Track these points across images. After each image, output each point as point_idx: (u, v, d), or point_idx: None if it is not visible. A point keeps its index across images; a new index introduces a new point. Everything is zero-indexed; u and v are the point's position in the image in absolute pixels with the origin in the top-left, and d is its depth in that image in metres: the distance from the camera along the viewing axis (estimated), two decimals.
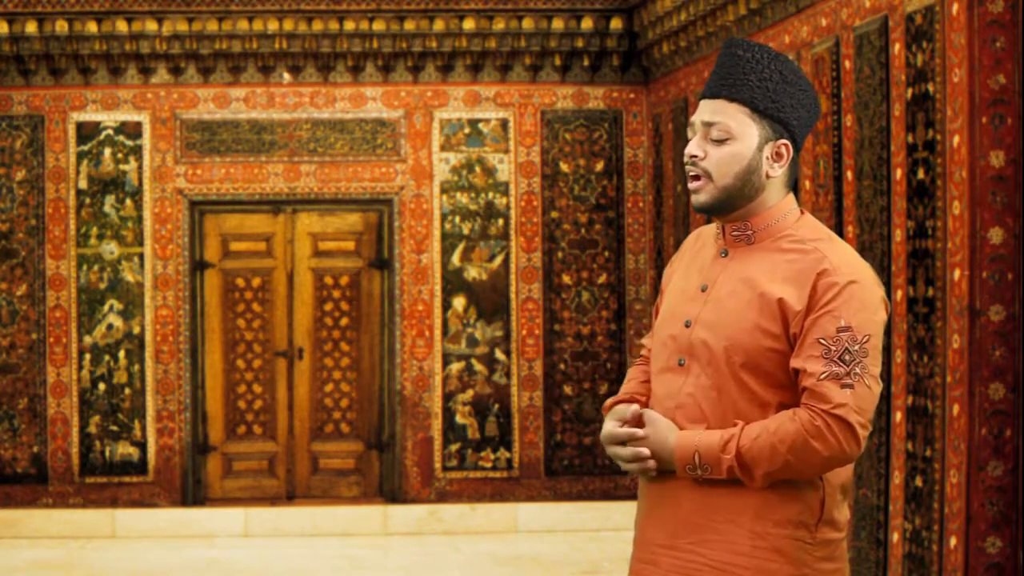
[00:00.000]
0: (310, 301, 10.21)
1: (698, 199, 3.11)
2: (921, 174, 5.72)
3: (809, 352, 2.94)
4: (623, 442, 3.09)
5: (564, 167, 10.23)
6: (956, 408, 5.39)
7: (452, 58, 10.13)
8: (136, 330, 10.01)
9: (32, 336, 9.92)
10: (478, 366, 10.18)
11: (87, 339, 9.98)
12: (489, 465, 10.17)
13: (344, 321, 10.22)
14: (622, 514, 9.80)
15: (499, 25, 9.95)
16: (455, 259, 10.17)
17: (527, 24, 9.96)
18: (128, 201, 10.04)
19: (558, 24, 9.98)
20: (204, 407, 10.15)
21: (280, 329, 10.20)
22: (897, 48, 5.96)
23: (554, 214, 10.21)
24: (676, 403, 3.08)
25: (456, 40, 10.02)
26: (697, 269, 3.17)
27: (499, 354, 10.17)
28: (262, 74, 10.11)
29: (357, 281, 10.25)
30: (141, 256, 10.03)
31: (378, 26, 9.94)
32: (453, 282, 10.16)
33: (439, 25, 9.94)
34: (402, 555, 9.40)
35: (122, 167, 10.04)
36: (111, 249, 10.02)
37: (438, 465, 10.15)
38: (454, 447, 10.17)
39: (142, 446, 10.02)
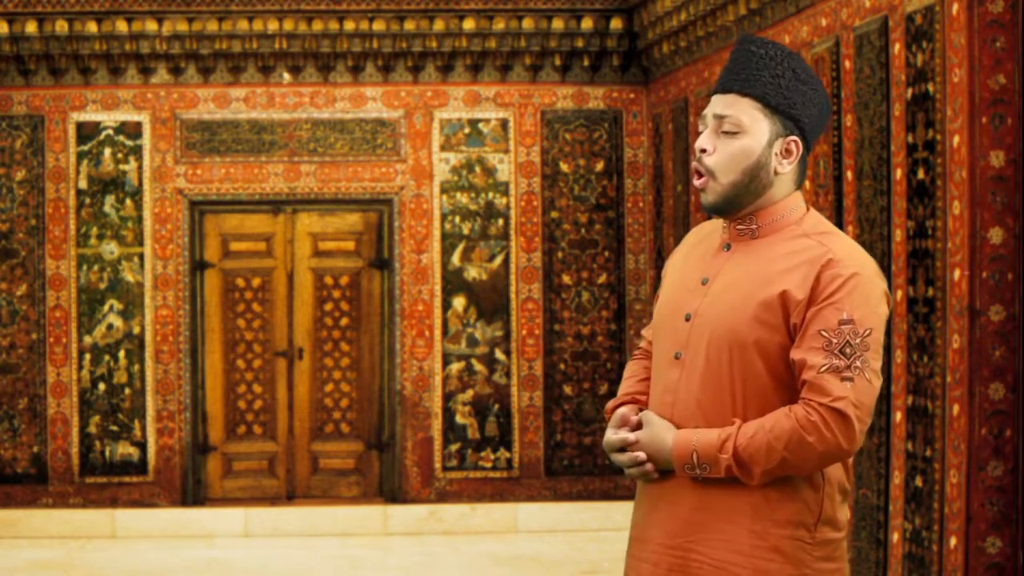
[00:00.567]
0: (310, 301, 10.21)
1: (706, 199, 3.11)
2: (921, 174, 5.72)
3: (810, 344, 2.93)
4: (622, 448, 3.10)
5: (564, 167, 10.23)
6: (956, 408, 5.39)
7: (452, 58, 10.13)
8: (136, 330, 10.01)
9: (32, 336, 9.92)
10: (478, 366, 10.18)
11: (87, 339, 9.98)
12: (489, 465, 10.17)
13: (344, 321, 10.22)
14: (622, 514, 9.79)
15: (499, 25, 9.95)
16: (455, 259, 10.17)
17: (527, 24, 9.96)
18: (128, 201, 10.04)
19: (558, 24, 9.98)
20: (204, 407, 10.15)
21: (280, 329, 10.20)
22: (897, 48, 5.96)
23: (554, 214, 10.21)
24: (673, 397, 3.08)
25: (456, 40, 10.02)
26: (698, 262, 3.17)
27: (499, 354, 10.17)
28: (262, 74, 10.11)
29: (357, 281, 10.25)
30: (141, 256, 10.03)
31: (378, 26, 9.94)
32: (453, 282, 10.16)
33: (439, 25, 9.94)
34: (402, 555, 9.40)
35: (122, 167, 10.04)
36: (111, 249, 10.02)
37: (438, 465, 10.15)
38: (454, 447, 10.17)
39: (142, 446, 10.02)
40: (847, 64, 6.53)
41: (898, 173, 5.96)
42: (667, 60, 9.60)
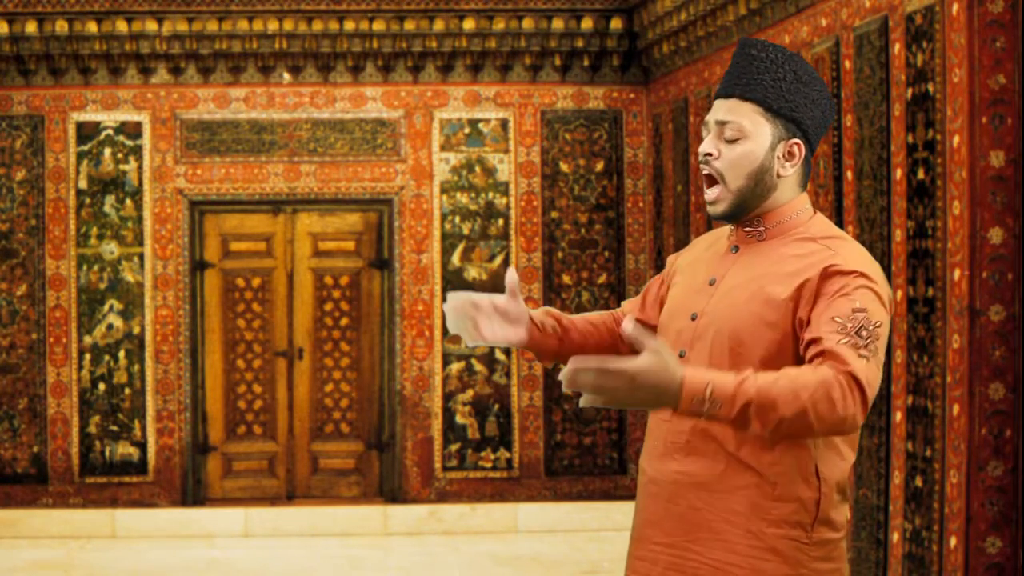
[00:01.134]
0: (310, 301, 10.21)
1: (716, 210, 3.11)
2: (921, 174, 5.72)
3: (825, 327, 2.88)
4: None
5: (564, 167, 10.23)
6: (956, 408, 5.39)
7: (452, 58, 10.13)
8: (136, 330, 10.01)
9: (32, 336, 9.92)
10: (478, 366, 10.18)
11: (87, 339, 9.98)
12: (489, 465, 10.17)
13: (344, 321, 10.22)
14: (622, 514, 9.80)
15: (499, 25, 9.95)
16: (455, 259, 10.17)
17: (527, 24, 9.96)
18: (128, 201, 10.04)
19: (558, 24, 9.98)
20: (204, 407, 10.15)
21: (280, 329, 10.20)
22: (897, 48, 5.96)
23: (554, 214, 10.21)
24: None
25: (456, 40, 10.02)
26: (706, 264, 3.19)
27: (499, 354, 10.17)
28: (262, 74, 10.11)
29: (357, 281, 10.25)
30: (141, 256, 10.03)
31: (378, 26, 9.94)
32: (453, 282, 10.15)
33: (439, 25, 9.94)
34: (402, 555, 9.40)
35: (122, 167, 10.04)
36: (111, 249, 10.02)
37: (438, 465, 10.15)
38: (454, 447, 10.17)
39: (142, 446, 10.02)
40: (847, 64, 6.53)
41: (898, 173, 5.96)
42: (667, 60, 9.59)
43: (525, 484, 10.18)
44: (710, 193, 3.11)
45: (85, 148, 10.01)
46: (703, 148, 3.10)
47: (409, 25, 9.93)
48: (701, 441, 3.05)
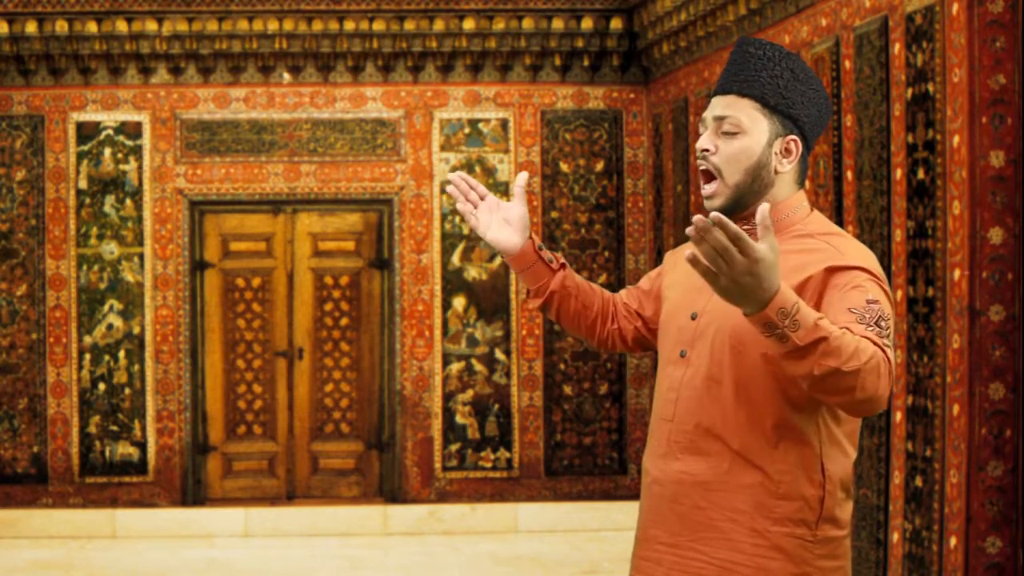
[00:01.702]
0: (310, 301, 10.21)
1: (712, 204, 3.11)
2: (921, 174, 5.72)
3: (844, 318, 2.85)
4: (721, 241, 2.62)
5: (564, 167, 10.23)
6: (956, 408, 5.39)
7: (452, 58, 10.13)
8: (136, 330, 10.01)
9: (32, 336, 9.92)
10: (478, 366, 10.18)
11: (87, 339, 9.98)
12: (489, 465, 10.17)
13: (344, 321, 10.23)
14: (622, 514, 9.80)
15: (499, 25, 9.95)
16: (455, 259, 10.18)
17: (527, 24, 9.96)
18: (128, 201, 10.04)
19: (558, 24, 9.98)
20: (204, 407, 10.15)
21: (280, 329, 10.20)
22: (897, 48, 5.96)
23: (554, 214, 10.21)
24: (677, 394, 3.09)
25: (456, 40, 10.02)
26: None
27: (499, 354, 10.17)
28: (262, 74, 10.11)
29: (357, 281, 10.25)
30: (141, 256, 10.03)
31: (378, 26, 9.94)
32: (453, 282, 10.16)
33: (439, 25, 9.94)
34: (402, 555, 9.40)
35: (122, 167, 10.04)
36: (111, 249, 10.02)
37: (438, 465, 10.15)
38: (454, 447, 10.17)
39: (142, 446, 10.02)
40: (847, 64, 6.53)
41: (898, 173, 5.96)
42: (667, 60, 9.60)
43: (525, 484, 10.19)
44: (707, 188, 3.11)
45: (85, 148, 10.01)
46: (700, 144, 3.11)
47: (409, 25, 9.93)
48: (704, 440, 3.05)
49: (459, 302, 10.17)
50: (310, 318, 10.21)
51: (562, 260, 3.43)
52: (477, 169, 10.16)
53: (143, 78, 10.04)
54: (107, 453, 10.00)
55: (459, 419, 10.17)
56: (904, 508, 5.88)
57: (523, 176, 3.35)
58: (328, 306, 10.22)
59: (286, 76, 10.13)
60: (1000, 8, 5.23)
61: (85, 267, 9.99)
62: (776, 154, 3.10)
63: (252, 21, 9.87)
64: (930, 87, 5.61)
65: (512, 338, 10.17)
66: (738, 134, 3.08)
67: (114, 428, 10.01)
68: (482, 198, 3.38)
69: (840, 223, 6.59)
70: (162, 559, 9.28)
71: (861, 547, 6.31)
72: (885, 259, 6.06)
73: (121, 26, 9.78)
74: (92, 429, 9.98)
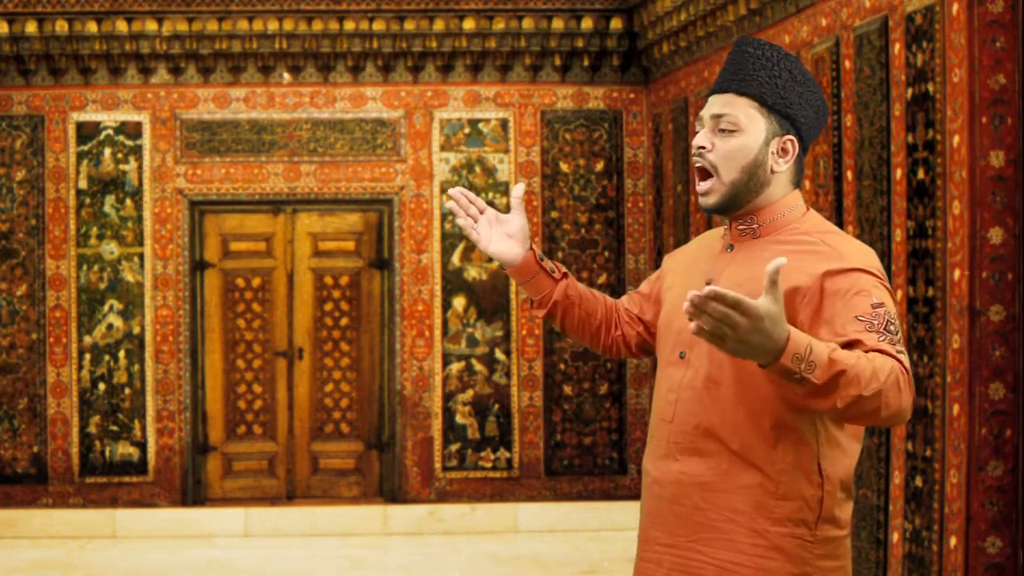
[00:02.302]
0: (310, 301, 10.21)
1: (707, 201, 3.11)
2: (921, 174, 5.72)
3: (853, 328, 2.84)
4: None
5: (564, 167, 10.23)
6: (956, 408, 5.39)
7: (452, 58, 10.13)
8: (136, 330, 10.01)
9: (32, 336, 9.92)
10: (478, 366, 10.18)
11: (87, 339, 9.98)
12: (489, 465, 10.17)
13: (344, 321, 10.23)
14: (622, 514, 9.80)
15: (499, 25, 9.95)
16: (455, 259, 10.17)
17: (527, 24, 9.96)
18: (128, 201, 10.04)
19: (558, 24, 9.98)
20: (204, 407, 10.15)
21: (280, 329, 10.20)
22: (897, 48, 5.96)
23: (554, 214, 10.21)
24: (676, 395, 3.09)
25: (456, 40, 10.02)
26: (702, 264, 3.19)
27: (499, 354, 10.17)
28: (262, 74, 10.11)
29: (357, 281, 10.25)
30: (141, 256, 10.03)
31: (378, 26, 9.94)
32: (453, 282, 10.16)
33: (439, 25, 9.94)
34: (402, 555, 9.40)
35: (122, 167, 10.04)
36: (111, 249, 10.02)
37: (438, 465, 10.15)
38: (454, 447, 10.17)
39: (142, 446, 10.02)
40: (847, 64, 6.53)
41: (898, 173, 5.96)
42: (667, 60, 9.60)
43: (525, 484, 10.19)
44: (703, 186, 3.11)
45: (85, 148, 10.01)
46: (697, 141, 3.11)
47: (409, 25, 9.93)
48: (704, 441, 3.05)
49: (459, 302, 10.17)
50: (310, 318, 10.21)
51: (564, 270, 3.44)
52: (477, 169, 10.16)
53: (143, 78, 10.04)
54: (107, 453, 10.00)
55: (459, 419, 10.17)
56: (904, 508, 5.88)
57: (520, 188, 3.38)
58: (328, 306, 10.22)
59: (286, 76, 10.13)
60: (1000, 8, 5.23)
61: (85, 267, 9.99)
62: (772, 153, 3.10)
63: (252, 21, 9.87)
64: (930, 87, 5.61)
65: (512, 338, 10.17)
66: (735, 132, 3.08)
67: (114, 428, 10.01)
68: (481, 212, 3.39)
69: (840, 223, 6.59)
70: (162, 559, 9.28)
71: (861, 547, 6.31)
72: (885, 259, 6.06)
73: (121, 26, 9.78)
74: (92, 429, 9.98)
